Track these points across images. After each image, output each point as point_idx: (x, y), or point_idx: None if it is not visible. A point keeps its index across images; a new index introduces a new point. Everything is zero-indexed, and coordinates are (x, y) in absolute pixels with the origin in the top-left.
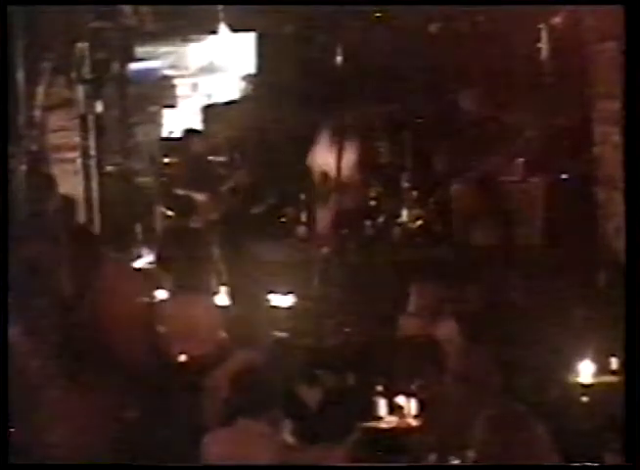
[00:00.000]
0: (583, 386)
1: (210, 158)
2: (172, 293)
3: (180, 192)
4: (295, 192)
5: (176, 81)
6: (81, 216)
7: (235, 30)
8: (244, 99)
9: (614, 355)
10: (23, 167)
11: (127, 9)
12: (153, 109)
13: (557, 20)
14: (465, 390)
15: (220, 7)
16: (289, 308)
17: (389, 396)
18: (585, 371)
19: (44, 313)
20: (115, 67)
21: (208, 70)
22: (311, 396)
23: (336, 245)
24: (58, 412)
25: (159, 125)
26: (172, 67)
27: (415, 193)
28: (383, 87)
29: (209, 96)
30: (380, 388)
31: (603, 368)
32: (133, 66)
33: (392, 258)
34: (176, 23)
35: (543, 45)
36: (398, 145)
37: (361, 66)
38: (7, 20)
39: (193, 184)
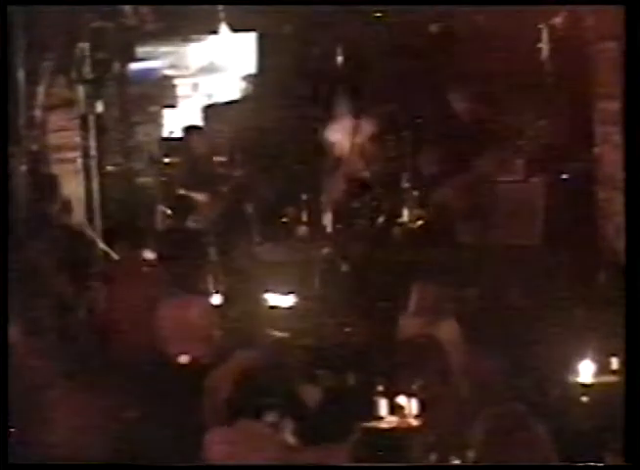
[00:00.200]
0: (583, 386)
1: (211, 158)
2: (172, 293)
3: (181, 192)
4: (295, 192)
5: (177, 81)
6: (82, 216)
7: (235, 30)
8: (244, 99)
9: (614, 355)
10: (24, 168)
11: (128, 9)
12: (153, 109)
13: (557, 20)
14: (465, 390)
15: (221, 7)
16: (289, 308)
17: (390, 396)
18: (585, 371)
19: (44, 313)
20: (116, 66)
21: (209, 69)
22: (312, 396)
23: (336, 244)
24: (58, 412)
25: (159, 125)
26: (173, 66)
27: (415, 193)
28: (382, 87)
29: (210, 96)
30: (380, 388)
31: (603, 368)
32: (134, 65)
33: (393, 257)
34: (177, 22)
35: (543, 45)
36: (399, 144)
37: (361, 66)
38: (7, 20)
39: (193, 184)
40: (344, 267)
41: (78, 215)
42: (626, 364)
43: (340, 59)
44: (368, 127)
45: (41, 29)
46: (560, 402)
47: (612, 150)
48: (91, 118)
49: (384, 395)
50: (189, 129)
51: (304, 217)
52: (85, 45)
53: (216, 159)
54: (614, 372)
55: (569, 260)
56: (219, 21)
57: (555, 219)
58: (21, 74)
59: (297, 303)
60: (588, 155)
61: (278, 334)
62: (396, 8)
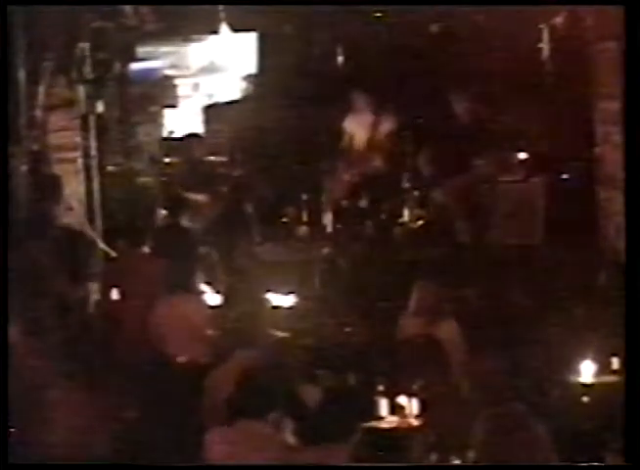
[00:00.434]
0: (584, 386)
1: (211, 158)
2: (172, 293)
3: (182, 192)
4: (295, 192)
5: (177, 81)
6: (82, 216)
7: (236, 30)
8: (244, 99)
9: (614, 355)
10: (24, 167)
11: (128, 9)
12: (154, 109)
13: (557, 20)
14: (465, 390)
15: (221, 7)
16: (289, 308)
17: (390, 396)
18: (586, 371)
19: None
20: (116, 66)
21: (209, 69)
22: (312, 396)
23: (336, 244)
24: (58, 412)
25: (159, 125)
26: (173, 67)
27: (415, 193)
28: (382, 87)
29: (210, 96)
30: (381, 388)
31: (604, 368)
32: (134, 66)
33: (393, 257)
34: (177, 23)
35: (543, 45)
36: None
37: (361, 66)
38: (7, 20)
39: (193, 184)
40: (344, 267)
41: (79, 215)
42: (626, 364)
43: (340, 59)
44: (388, 124)
45: (41, 29)
46: (560, 402)
47: (612, 150)
48: (91, 118)
49: (384, 395)
50: (189, 136)
51: (304, 217)
52: (85, 45)
53: (216, 159)
54: (614, 372)
55: (569, 260)
56: (219, 21)
57: (555, 219)
58: (21, 74)
59: (297, 303)
60: (588, 155)
61: (278, 334)
62: (396, 8)
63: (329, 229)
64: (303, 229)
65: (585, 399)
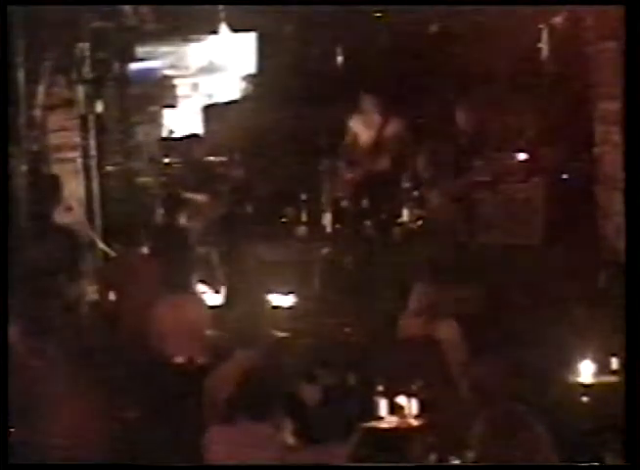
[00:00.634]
0: (584, 386)
1: (210, 158)
2: (172, 293)
3: (181, 192)
4: (295, 192)
5: (176, 81)
6: (82, 216)
7: (235, 30)
8: (244, 99)
9: (614, 355)
10: (24, 167)
11: (128, 9)
12: (153, 109)
13: (557, 20)
14: (465, 390)
15: (221, 7)
16: (289, 308)
17: (390, 396)
18: (586, 371)
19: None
20: (116, 67)
21: (209, 70)
22: (312, 396)
23: (336, 244)
24: (58, 412)
25: (159, 125)
26: (173, 67)
27: (415, 193)
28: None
29: (210, 96)
30: (380, 388)
31: (603, 368)
32: (133, 66)
33: (393, 258)
34: (177, 22)
35: (543, 45)
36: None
37: (361, 66)
38: (7, 20)
39: (193, 184)
40: (344, 267)
41: (78, 215)
42: (626, 364)
43: (340, 59)
44: (394, 126)
45: (41, 29)
46: (560, 402)
47: (612, 150)
48: (91, 118)
49: (384, 395)
50: (188, 136)
51: (304, 217)
52: (85, 45)
53: (216, 159)
54: (614, 372)
55: (569, 260)
56: (219, 21)
57: (555, 219)
58: (21, 74)
59: (296, 303)
60: (588, 155)
61: (278, 334)
62: (396, 8)
63: (328, 229)
64: (303, 229)
65: (585, 399)
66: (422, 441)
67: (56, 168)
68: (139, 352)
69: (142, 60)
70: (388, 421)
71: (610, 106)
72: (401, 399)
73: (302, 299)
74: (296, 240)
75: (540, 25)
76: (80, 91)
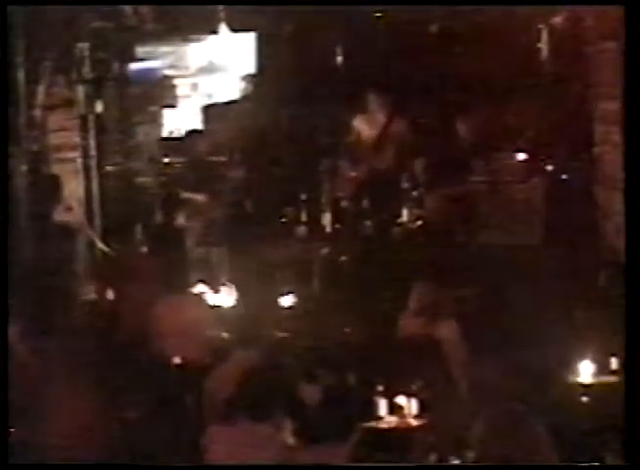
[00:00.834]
0: (583, 386)
1: (210, 158)
2: (172, 293)
3: (181, 192)
4: (295, 192)
5: (176, 81)
6: (81, 216)
7: (235, 30)
8: (244, 99)
9: (614, 355)
10: (24, 167)
11: (127, 9)
12: (153, 109)
13: (557, 20)
14: (465, 390)
15: (220, 7)
16: (289, 308)
17: (390, 396)
18: (585, 371)
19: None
20: (116, 67)
21: (209, 69)
22: (311, 396)
23: (336, 244)
24: (58, 412)
25: (159, 125)
26: (172, 67)
27: (415, 193)
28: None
29: (210, 96)
30: (380, 388)
31: (603, 368)
32: (133, 66)
33: (392, 258)
34: (176, 23)
35: (543, 45)
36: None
37: (361, 66)
38: (7, 20)
39: (193, 184)
40: (344, 267)
41: (78, 215)
42: (626, 364)
43: (340, 59)
44: (398, 126)
45: (41, 29)
46: (560, 402)
47: (612, 150)
48: (91, 118)
49: (384, 395)
50: (190, 133)
51: (304, 217)
52: (85, 45)
53: (216, 159)
54: (614, 372)
55: (569, 260)
56: (219, 21)
57: (555, 219)
58: (21, 74)
59: (296, 303)
60: (588, 155)
61: (278, 334)
62: (396, 8)
63: (328, 229)
64: (303, 229)
65: (585, 399)
66: (422, 441)
67: (56, 168)
68: (139, 352)
69: (142, 60)
70: (388, 421)
71: (610, 106)
72: (401, 399)
73: (302, 299)
74: (296, 240)
75: (540, 25)
76: (80, 91)
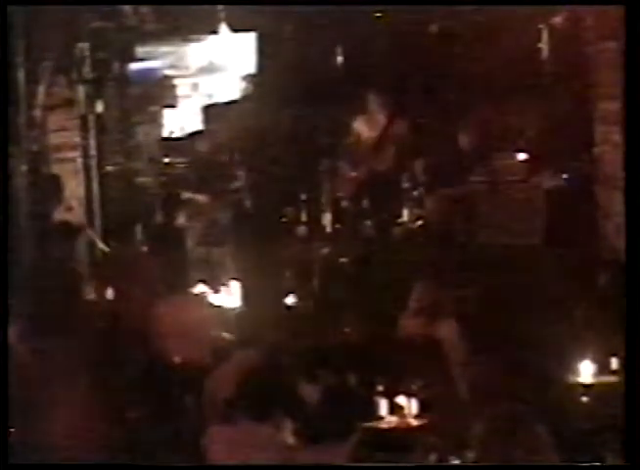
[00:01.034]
0: (584, 386)
1: (210, 158)
2: (172, 293)
3: (181, 192)
4: (295, 192)
5: (176, 81)
6: (82, 216)
7: (235, 30)
8: (244, 99)
9: (614, 355)
10: (24, 167)
11: (128, 9)
12: (153, 109)
13: (557, 20)
14: (465, 390)
15: (220, 7)
16: (289, 308)
17: (390, 396)
18: (585, 371)
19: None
20: (116, 67)
21: (209, 69)
22: (312, 396)
23: (336, 244)
24: (58, 412)
25: (159, 125)
26: (173, 67)
27: (415, 193)
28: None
29: (210, 96)
30: (380, 388)
31: (603, 368)
32: (133, 66)
33: (393, 258)
34: (176, 23)
35: (543, 45)
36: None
37: (361, 66)
38: (7, 20)
39: (193, 184)
40: (344, 268)
41: (78, 215)
42: (626, 364)
43: (340, 59)
44: (398, 127)
45: (41, 29)
46: (560, 402)
47: (612, 150)
48: (91, 118)
49: (384, 395)
50: (188, 136)
51: (304, 217)
52: (85, 45)
53: (216, 159)
54: (614, 372)
55: (569, 260)
56: (219, 21)
57: (555, 219)
58: (21, 74)
59: (296, 303)
60: (588, 155)
61: (278, 334)
62: (396, 8)
63: (328, 229)
64: (303, 229)
65: (585, 399)
66: (422, 441)
67: (56, 168)
68: (139, 352)
69: (142, 60)
70: (388, 421)
71: (610, 106)
72: (401, 399)
73: (302, 299)
74: (296, 240)
75: (540, 25)
76: (80, 91)
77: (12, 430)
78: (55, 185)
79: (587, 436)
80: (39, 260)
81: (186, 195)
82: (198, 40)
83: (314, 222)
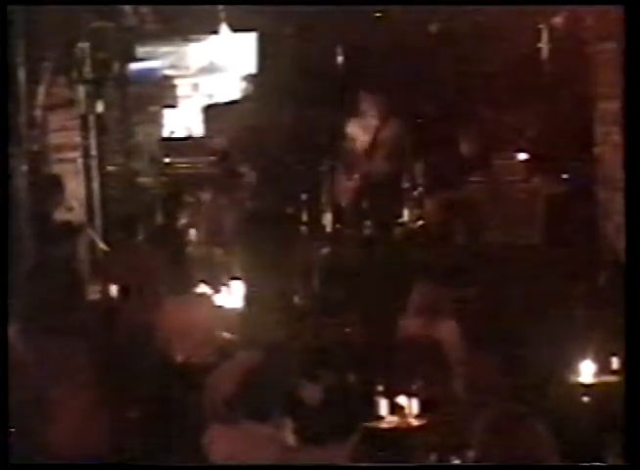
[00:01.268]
0: (584, 386)
1: (211, 158)
2: (172, 293)
3: (181, 192)
4: (295, 192)
5: (177, 81)
6: (82, 216)
7: (235, 30)
8: (244, 99)
9: (614, 355)
10: (24, 168)
11: (128, 9)
12: (153, 109)
13: (557, 20)
14: (465, 390)
15: (221, 7)
16: (289, 308)
17: (390, 395)
18: (586, 371)
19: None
20: (116, 67)
21: (209, 70)
22: (312, 395)
23: (336, 244)
24: (58, 412)
25: (159, 125)
26: (173, 67)
27: (415, 193)
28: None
29: (210, 96)
30: (380, 388)
31: (603, 368)
32: (134, 66)
33: (393, 258)
34: (177, 23)
35: (543, 45)
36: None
37: (361, 66)
38: (7, 19)
39: (193, 184)
40: (344, 267)
41: (79, 215)
42: (626, 364)
43: (340, 59)
44: (391, 128)
45: (41, 29)
46: (560, 402)
47: (612, 150)
48: (91, 118)
49: (384, 395)
50: (189, 136)
51: (304, 217)
52: (85, 45)
53: (216, 159)
54: (614, 372)
55: (569, 260)
56: (219, 21)
57: (555, 219)
58: (21, 74)
59: (297, 302)
60: (588, 155)
61: (278, 334)
62: (396, 8)
63: (328, 229)
64: (303, 229)
65: (585, 399)
66: (422, 441)
67: (56, 168)
68: (139, 352)
69: (142, 60)
70: (388, 421)
71: (610, 106)
72: (401, 399)
73: (302, 299)
74: (296, 240)
75: (540, 25)
76: (81, 91)
77: (12, 430)
78: (55, 185)
79: (587, 436)
80: (39, 260)
81: (186, 195)
82: (198, 40)
83: (314, 222)
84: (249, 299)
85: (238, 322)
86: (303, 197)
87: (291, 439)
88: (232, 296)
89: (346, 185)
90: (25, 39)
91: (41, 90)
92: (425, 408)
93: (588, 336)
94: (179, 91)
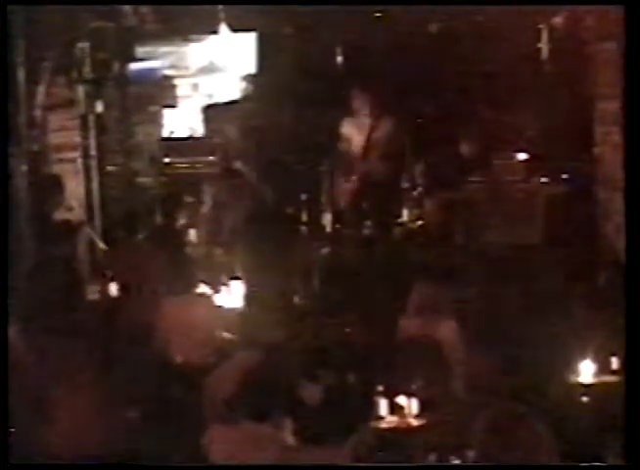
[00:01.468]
0: (584, 386)
1: (211, 158)
2: (172, 293)
3: (181, 192)
4: (295, 192)
5: (177, 81)
6: (82, 216)
7: (235, 30)
8: (244, 99)
9: (614, 355)
10: (24, 168)
11: (127, 9)
12: (153, 109)
13: (557, 20)
14: (465, 390)
15: (220, 7)
16: (288, 308)
17: (390, 396)
18: (586, 371)
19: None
20: (116, 67)
21: (209, 70)
22: (312, 395)
23: (336, 244)
24: (58, 412)
25: (159, 125)
26: (173, 67)
27: (415, 193)
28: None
29: (210, 96)
30: (380, 388)
31: (603, 368)
32: (133, 66)
33: (393, 258)
34: (176, 23)
35: (543, 45)
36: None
37: (361, 66)
38: (7, 19)
39: (193, 184)
40: (344, 267)
41: (78, 215)
42: (626, 364)
43: (340, 59)
44: (385, 127)
45: (41, 29)
46: (560, 402)
47: (612, 150)
48: (91, 118)
49: (384, 395)
50: (189, 136)
51: (304, 217)
52: (85, 45)
53: (216, 159)
54: (614, 372)
55: (568, 260)
56: (219, 21)
57: (555, 219)
58: (21, 74)
59: (297, 302)
60: (588, 155)
61: (278, 334)
62: (396, 8)
63: (328, 229)
64: (303, 229)
65: (585, 399)
66: (422, 441)
67: (56, 168)
68: (139, 352)
69: (142, 60)
70: (389, 421)
71: (610, 106)
72: (401, 399)
73: (302, 299)
74: (296, 240)
75: (540, 25)
76: (80, 91)
77: (12, 430)
78: (55, 185)
79: (587, 436)
80: (40, 260)
81: (185, 195)
82: (198, 40)
83: (314, 222)
84: (248, 299)
85: (238, 322)
86: (303, 197)
87: (291, 439)
88: (232, 296)
89: (345, 186)
90: (25, 39)
91: (41, 90)
92: (425, 408)
93: (588, 336)
94: (179, 91)
